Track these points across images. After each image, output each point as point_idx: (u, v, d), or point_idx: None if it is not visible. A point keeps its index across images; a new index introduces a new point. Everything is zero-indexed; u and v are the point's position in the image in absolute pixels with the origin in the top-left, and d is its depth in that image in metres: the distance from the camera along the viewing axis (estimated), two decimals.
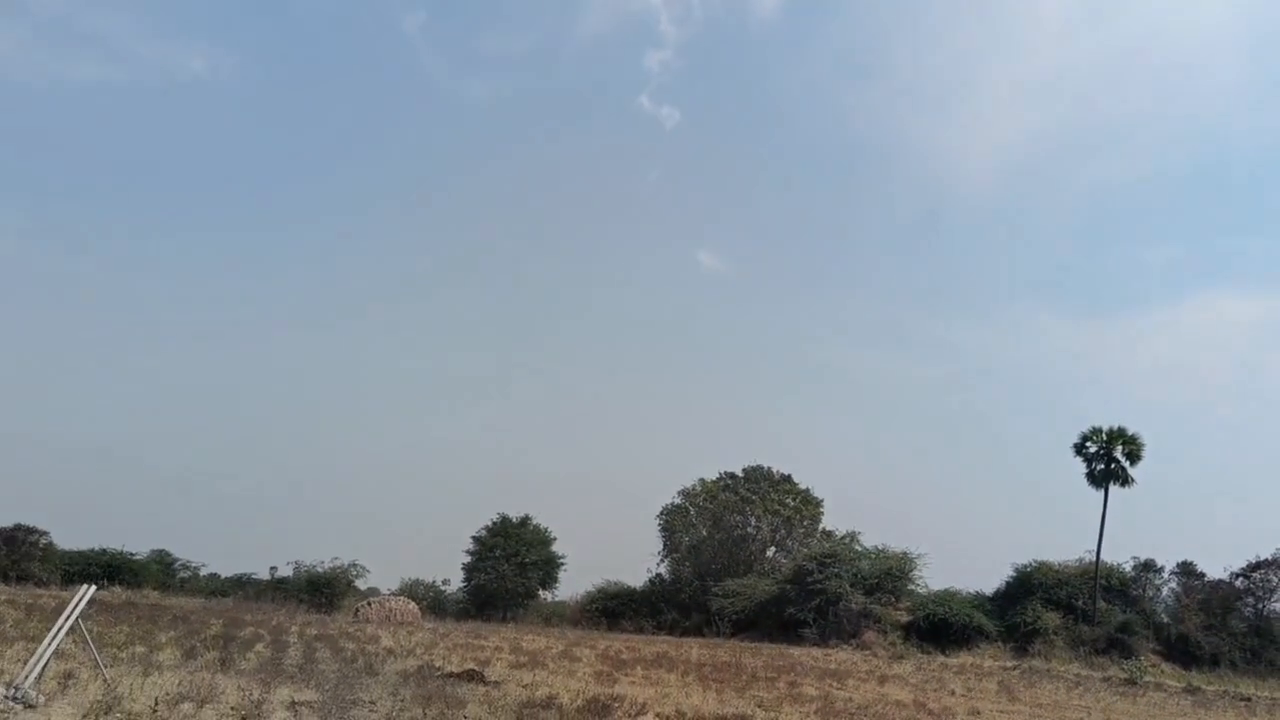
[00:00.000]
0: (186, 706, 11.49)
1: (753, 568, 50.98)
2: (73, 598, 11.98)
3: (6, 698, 10.42)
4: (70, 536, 52.22)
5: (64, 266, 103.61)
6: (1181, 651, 40.62)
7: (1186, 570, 44.95)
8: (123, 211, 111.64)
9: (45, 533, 49.30)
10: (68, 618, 11.55)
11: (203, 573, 56.02)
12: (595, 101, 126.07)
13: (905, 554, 45.54)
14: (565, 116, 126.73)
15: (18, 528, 48.32)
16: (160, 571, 52.86)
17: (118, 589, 44.33)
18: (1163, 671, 37.99)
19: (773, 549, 53.32)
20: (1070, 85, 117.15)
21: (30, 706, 10.44)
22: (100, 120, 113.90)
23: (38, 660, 11.11)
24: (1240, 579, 43.30)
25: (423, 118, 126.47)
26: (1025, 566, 44.53)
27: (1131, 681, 32.70)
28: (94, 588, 12.75)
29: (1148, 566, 45.05)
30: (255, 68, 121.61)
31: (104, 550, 51.34)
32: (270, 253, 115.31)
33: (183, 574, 55.07)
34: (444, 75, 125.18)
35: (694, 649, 32.37)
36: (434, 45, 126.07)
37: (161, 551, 55.04)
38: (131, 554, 52.13)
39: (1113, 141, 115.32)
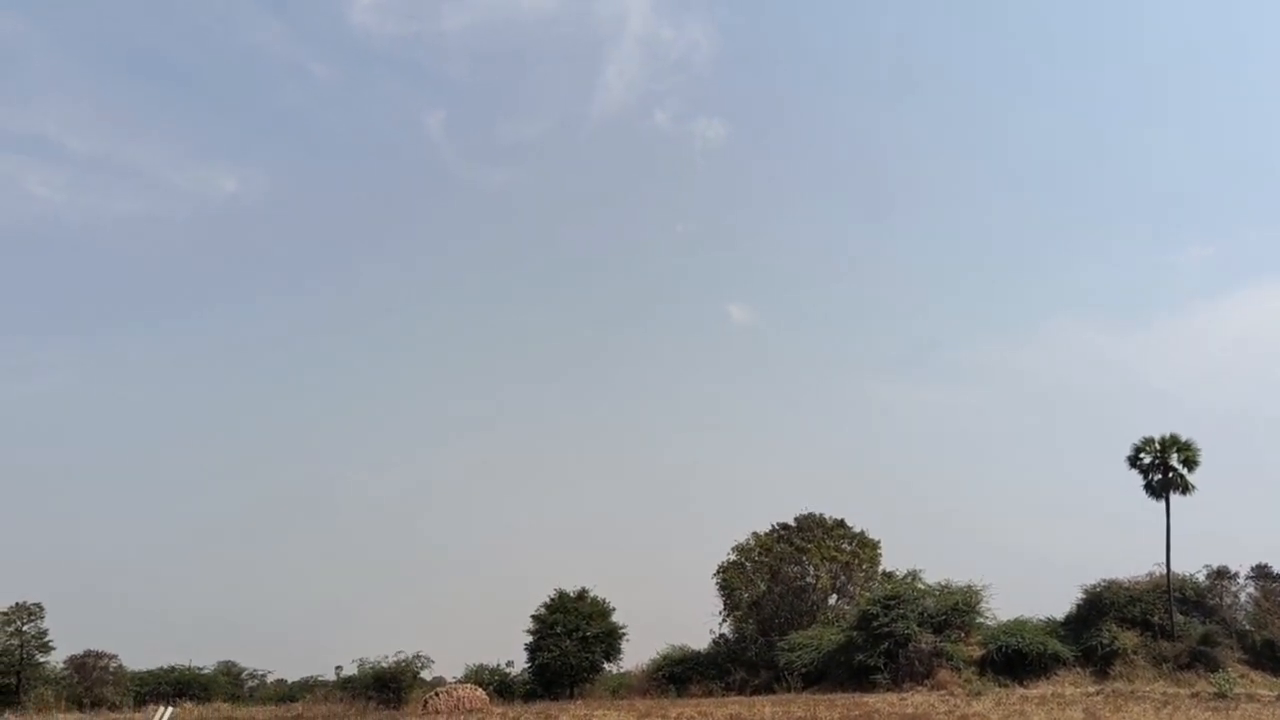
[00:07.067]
0: None
1: (816, 618, 50.06)
2: None
3: None
4: (137, 656, 52.88)
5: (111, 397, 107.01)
6: (1269, 658, 39.21)
7: (1263, 573, 43.48)
8: (164, 346, 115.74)
9: (114, 656, 49.97)
10: None
11: (269, 679, 56.31)
12: (614, 173, 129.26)
13: (970, 587, 44.51)
14: (586, 193, 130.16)
15: (88, 654, 49.01)
16: (229, 683, 53.21)
17: (188, 704, 44.63)
18: (1253, 681, 36.73)
19: (834, 596, 52.39)
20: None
21: None
22: (141, 247, 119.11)
23: None
24: None
25: (447, 210, 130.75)
26: (1094, 586, 43.27)
27: (1221, 695, 31.68)
28: (171, 709, 13.04)
29: (1221, 574, 43.64)
30: (287, 180, 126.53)
31: (172, 668, 51.78)
32: (314, 356, 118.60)
33: (250, 683, 55.40)
34: (464, 167, 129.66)
35: (766, 707, 31.89)
36: (455, 140, 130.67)
37: (228, 663, 55.54)
38: (199, 668, 52.53)
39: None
